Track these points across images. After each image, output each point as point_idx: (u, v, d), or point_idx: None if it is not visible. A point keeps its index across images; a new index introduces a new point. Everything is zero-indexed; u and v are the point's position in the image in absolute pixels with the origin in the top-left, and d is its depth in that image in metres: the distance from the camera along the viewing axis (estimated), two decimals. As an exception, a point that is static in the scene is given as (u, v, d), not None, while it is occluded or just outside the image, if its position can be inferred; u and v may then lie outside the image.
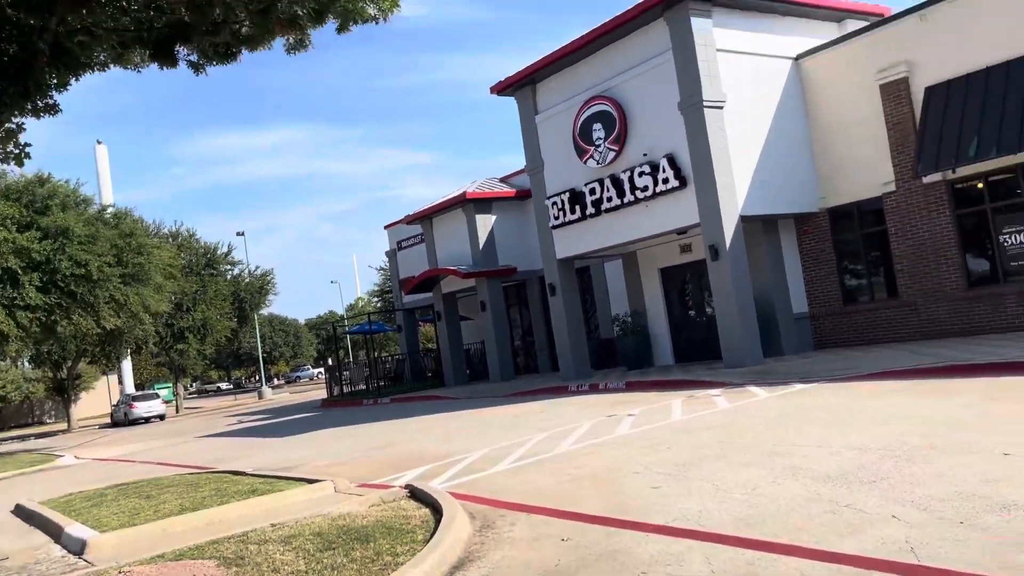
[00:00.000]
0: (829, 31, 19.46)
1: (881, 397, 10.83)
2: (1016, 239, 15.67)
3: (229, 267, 50.02)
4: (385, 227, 34.36)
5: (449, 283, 27.68)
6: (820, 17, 19.32)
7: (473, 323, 31.39)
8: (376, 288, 62.78)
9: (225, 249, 49.44)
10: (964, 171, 16.06)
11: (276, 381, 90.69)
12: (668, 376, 17.54)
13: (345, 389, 32.75)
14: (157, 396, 44.11)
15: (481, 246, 25.99)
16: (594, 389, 18.34)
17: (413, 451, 12.68)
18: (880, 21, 17.66)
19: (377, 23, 6.64)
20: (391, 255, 34.28)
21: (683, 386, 16.03)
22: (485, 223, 26.22)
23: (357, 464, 12.23)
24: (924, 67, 16.62)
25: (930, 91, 16.41)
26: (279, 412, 31.24)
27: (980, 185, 16.19)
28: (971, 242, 16.49)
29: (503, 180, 27.89)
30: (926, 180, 16.68)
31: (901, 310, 17.50)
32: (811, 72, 18.72)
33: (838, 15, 19.43)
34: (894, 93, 17.12)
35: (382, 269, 55.92)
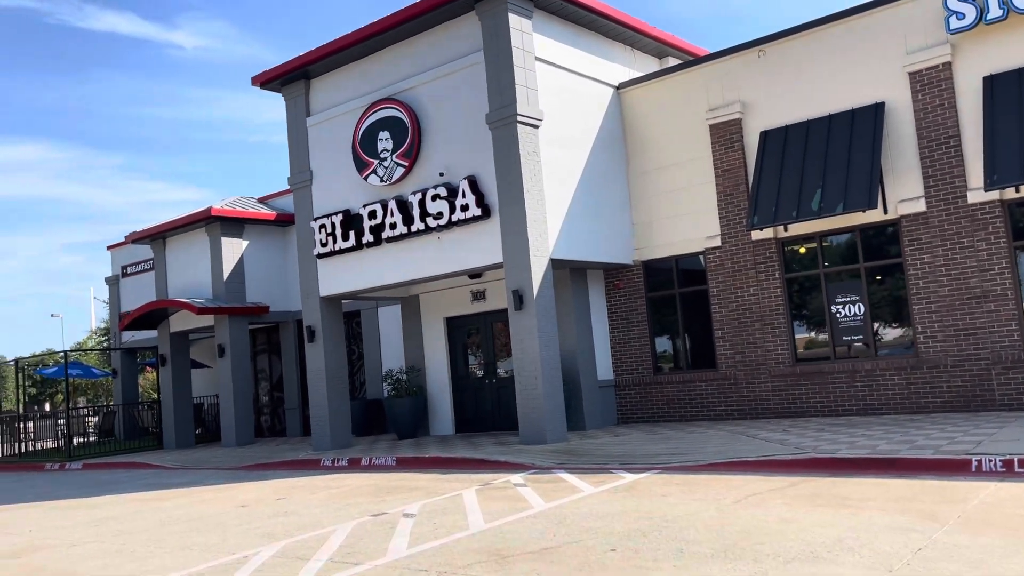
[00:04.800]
0: (650, 66, 17.40)
1: (724, 504, 7.82)
2: (849, 310, 13.92)
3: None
4: (109, 248, 27.94)
5: (181, 320, 22.24)
6: (643, 48, 17.19)
7: (209, 372, 25.85)
8: (103, 325, 53.43)
9: None
10: (797, 229, 14.21)
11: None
12: (451, 452, 13.82)
13: (30, 447, 25.56)
14: None
15: (226, 277, 21.02)
16: (355, 465, 14.17)
17: (57, 570, 7.83)
18: (715, 54, 15.70)
19: None
20: (113, 282, 27.88)
21: (472, 467, 12.40)
22: (234, 249, 21.33)
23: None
24: (760, 109, 14.75)
25: (766, 135, 14.52)
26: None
27: (810, 247, 14.42)
28: (801, 311, 14.61)
29: (262, 201, 23.21)
30: (756, 237, 14.68)
31: (719, 383, 15.21)
32: (634, 105, 16.39)
33: (661, 48, 17.41)
34: (725, 135, 15.11)
35: (108, 301, 47.20)
